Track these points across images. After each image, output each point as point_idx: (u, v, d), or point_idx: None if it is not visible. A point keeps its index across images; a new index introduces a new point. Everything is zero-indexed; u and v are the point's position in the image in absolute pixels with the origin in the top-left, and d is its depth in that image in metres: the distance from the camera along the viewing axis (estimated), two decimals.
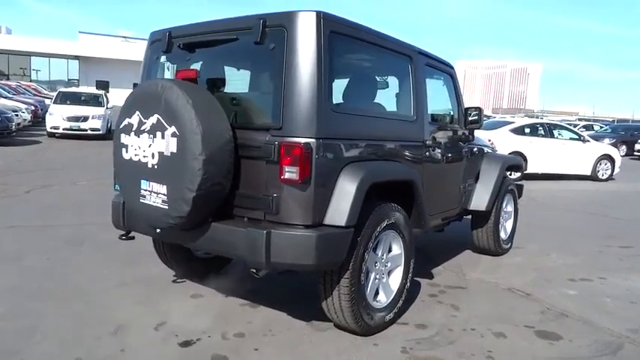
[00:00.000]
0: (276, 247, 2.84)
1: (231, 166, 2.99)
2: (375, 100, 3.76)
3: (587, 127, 31.09)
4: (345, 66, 3.32)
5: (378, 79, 3.83)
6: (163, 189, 2.99)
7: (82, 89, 20.02)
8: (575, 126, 25.93)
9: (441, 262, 5.17)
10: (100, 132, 16.32)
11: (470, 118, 4.70)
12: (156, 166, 3.02)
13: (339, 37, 3.07)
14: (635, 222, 8.17)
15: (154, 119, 3.01)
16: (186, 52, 3.46)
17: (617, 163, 13.75)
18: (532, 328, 3.65)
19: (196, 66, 3.42)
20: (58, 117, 15.84)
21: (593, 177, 13.39)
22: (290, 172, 2.85)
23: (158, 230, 3.19)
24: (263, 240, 2.83)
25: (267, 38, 3.00)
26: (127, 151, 3.21)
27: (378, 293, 3.48)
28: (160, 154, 2.99)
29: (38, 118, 19.56)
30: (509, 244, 5.72)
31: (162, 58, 3.67)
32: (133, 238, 3.82)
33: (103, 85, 21.08)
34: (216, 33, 3.29)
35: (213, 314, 3.66)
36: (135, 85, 3.44)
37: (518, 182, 6.08)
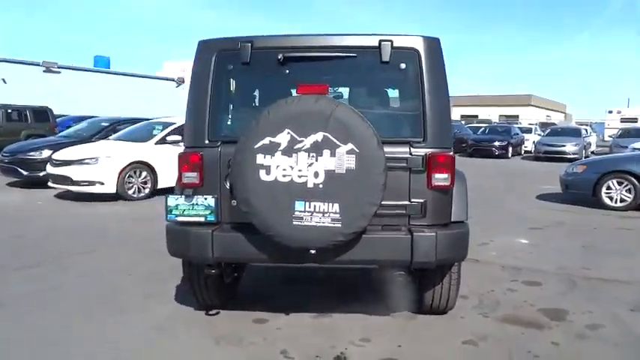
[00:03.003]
0: (441, 246, 3.19)
1: None
2: None
3: None
4: None
5: None
6: (334, 207, 2.95)
7: None
8: None
9: None
10: None
11: None
12: (321, 185, 2.94)
13: None
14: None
15: (317, 137, 2.92)
16: (281, 65, 3.32)
17: None
18: (517, 281, 4.84)
19: (296, 80, 3.34)
20: None
21: None
22: (440, 180, 3.23)
23: (313, 252, 3.06)
24: (434, 241, 3.15)
25: (395, 58, 3.27)
26: (268, 173, 2.97)
27: None
28: (329, 172, 2.93)
29: None
30: None
31: (239, 69, 3.39)
32: (220, 269, 3.45)
33: None
34: (329, 49, 3.31)
35: (310, 333, 3.63)
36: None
37: None
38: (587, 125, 31.32)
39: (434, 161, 3.22)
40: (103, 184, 9.10)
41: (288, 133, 2.95)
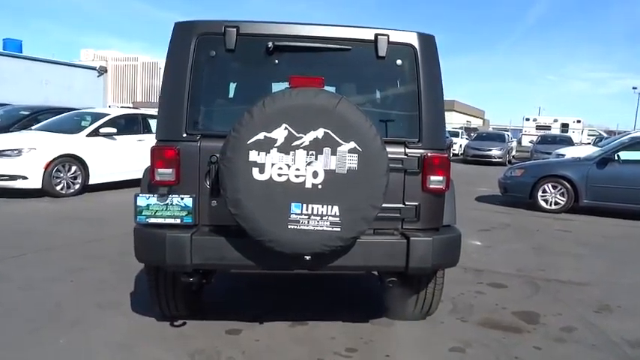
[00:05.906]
0: (436, 251, 3.05)
1: None
2: None
3: None
4: None
5: None
6: (333, 210, 2.71)
7: None
8: None
9: None
10: None
11: None
12: (320, 186, 2.70)
13: None
14: None
15: (317, 134, 2.68)
16: (270, 54, 3.04)
17: None
18: (482, 283, 4.86)
19: (286, 71, 3.09)
20: None
21: None
22: (436, 182, 3.10)
23: (307, 257, 2.80)
24: (430, 246, 3.00)
25: (391, 54, 3.10)
26: (262, 171, 2.68)
27: None
28: (329, 172, 2.69)
29: None
30: None
31: (223, 57, 3.06)
32: (198, 276, 3.11)
33: None
34: (323, 40, 3.07)
35: (291, 344, 3.38)
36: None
37: None
38: (506, 131, 33.17)
39: (429, 163, 3.09)
40: (26, 178, 8.21)
41: (286, 128, 2.68)
